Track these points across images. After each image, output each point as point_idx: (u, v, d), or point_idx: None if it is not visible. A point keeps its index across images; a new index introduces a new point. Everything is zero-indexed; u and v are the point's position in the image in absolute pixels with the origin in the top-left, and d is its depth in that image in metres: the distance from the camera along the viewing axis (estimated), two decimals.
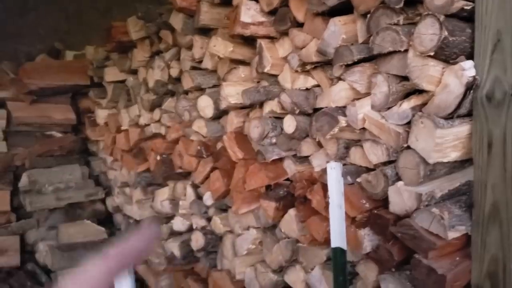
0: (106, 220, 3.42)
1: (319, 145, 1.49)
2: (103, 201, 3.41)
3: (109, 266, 0.38)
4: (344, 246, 1.04)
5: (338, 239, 1.03)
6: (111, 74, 2.97)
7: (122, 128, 2.88)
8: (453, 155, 1.09)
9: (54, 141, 3.45)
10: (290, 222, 1.59)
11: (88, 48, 3.46)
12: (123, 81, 2.94)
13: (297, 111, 1.47)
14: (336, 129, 1.32)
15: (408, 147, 1.13)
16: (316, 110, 1.44)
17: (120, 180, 3.01)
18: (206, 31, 1.89)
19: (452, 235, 1.06)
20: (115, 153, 3.02)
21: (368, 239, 1.24)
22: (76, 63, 3.54)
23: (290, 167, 1.64)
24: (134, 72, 2.71)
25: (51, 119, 3.42)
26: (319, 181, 1.46)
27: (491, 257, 1.07)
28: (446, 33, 0.99)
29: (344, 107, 1.32)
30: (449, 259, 1.11)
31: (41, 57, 3.73)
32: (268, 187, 1.73)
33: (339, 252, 1.04)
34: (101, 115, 3.25)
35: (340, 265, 1.05)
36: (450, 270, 1.08)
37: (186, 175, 2.26)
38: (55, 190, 3.20)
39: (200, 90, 1.99)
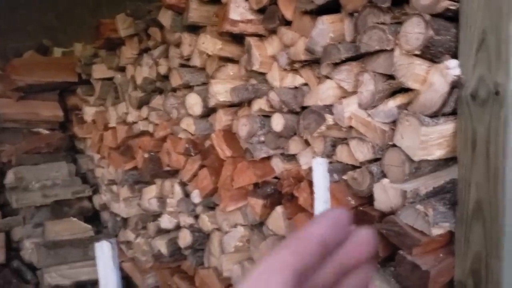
0: (93, 217, 3.40)
1: (307, 143, 1.50)
2: (90, 198, 3.39)
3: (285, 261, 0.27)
4: None
5: None
6: (99, 71, 2.95)
7: (110, 125, 2.87)
8: (438, 153, 1.11)
9: (41, 138, 3.42)
10: (277, 219, 1.60)
11: (77, 45, 3.43)
12: (111, 79, 2.92)
13: (285, 110, 1.48)
14: (323, 127, 1.32)
15: (394, 145, 1.14)
16: (304, 108, 1.45)
17: (107, 177, 2.99)
18: (195, 29, 1.89)
19: (436, 231, 1.07)
20: (102, 151, 3.00)
21: None
22: (64, 60, 3.50)
23: (278, 165, 1.65)
24: (122, 69, 2.69)
25: (39, 116, 3.39)
26: (306, 179, 1.47)
27: (475, 254, 1.09)
28: (431, 32, 1.00)
29: (332, 105, 1.33)
30: (433, 256, 1.13)
31: (29, 53, 3.69)
32: (255, 185, 1.73)
33: None
34: (89, 112, 3.22)
35: None
36: (434, 267, 1.09)
37: (173, 173, 2.25)
38: (42, 187, 3.17)
39: (189, 87, 1.98)
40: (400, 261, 1.12)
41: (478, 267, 1.09)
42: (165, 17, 1.98)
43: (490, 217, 1.05)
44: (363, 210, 1.22)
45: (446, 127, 1.09)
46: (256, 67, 1.57)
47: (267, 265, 0.27)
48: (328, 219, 0.29)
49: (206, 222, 2.01)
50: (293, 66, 1.47)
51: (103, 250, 0.64)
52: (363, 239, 0.29)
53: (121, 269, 2.75)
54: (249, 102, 1.69)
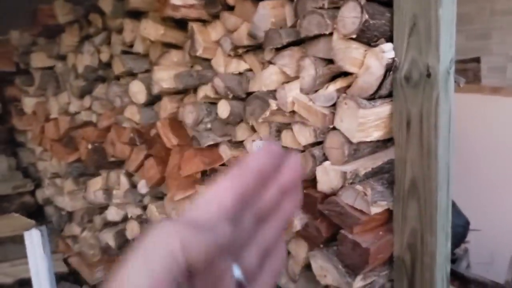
0: (36, 212, 3.27)
1: (253, 129, 1.51)
2: (32, 193, 3.26)
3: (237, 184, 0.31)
4: None
5: None
6: (38, 60, 2.82)
7: (51, 116, 2.75)
8: (376, 135, 1.15)
9: None
10: None
11: (13, 32, 3.25)
12: (51, 68, 2.80)
13: (230, 96, 1.48)
14: (267, 113, 1.33)
15: (334, 128, 1.17)
16: (249, 94, 1.45)
17: (50, 170, 2.88)
18: (136, 14, 1.84)
19: (374, 210, 1.11)
20: (44, 143, 2.88)
21: (298, 218, 1.28)
22: (0, 49, 3.32)
23: (226, 152, 1.65)
24: (62, 57, 2.59)
25: None
26: None
27: (411, 230, 1.14)
28: (367, 16, 1.03)
29: (275, 90, 1.34)
30: (373, 234, 1.17)
31: None
32: (203, 172, 1.73)
33: None
34: (29, 103, 3.07)
35: None
36: (374, 244, 1.13)
37: (119, 163, 2.20)
38: None
39: (132, 75, 1.93)
40: (342, 239, 1.16)
41: (414, 242, 1.14)
42: (106, 3, 1.91)
43: (424, 194, 1.11)
44: (307, 193, 1.25)
45: (382, 109, 1.12)
46: (199, 52, 1.55)
47: (212, 192, 0.30)
48: (262, 151, 0.33)
49: (154, 212, 1.98)
50: (237, 52, 1.47)
51: (32, 238, 0.61)
52: (292, 163, 0.33)
53: (68, 264, 2.68)
54: (194, 89, 1.68)
